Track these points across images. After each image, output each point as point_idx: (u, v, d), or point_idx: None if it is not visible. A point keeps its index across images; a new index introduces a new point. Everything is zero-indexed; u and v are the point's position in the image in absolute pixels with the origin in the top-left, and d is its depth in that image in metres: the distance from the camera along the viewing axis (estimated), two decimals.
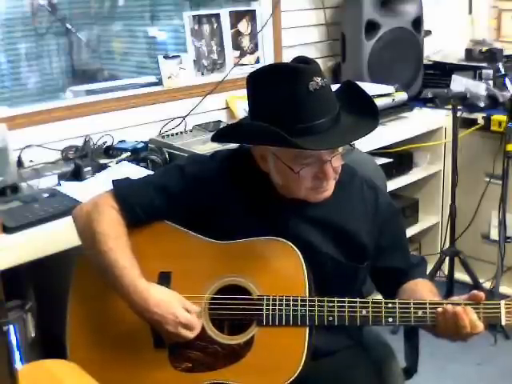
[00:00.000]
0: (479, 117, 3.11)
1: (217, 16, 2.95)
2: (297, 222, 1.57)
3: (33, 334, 2.06)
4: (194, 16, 2.88)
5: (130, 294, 1.47)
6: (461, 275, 3.21)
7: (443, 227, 3.34)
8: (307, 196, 1.54)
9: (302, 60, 1.49)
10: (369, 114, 1.51)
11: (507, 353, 2.89)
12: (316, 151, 1.45)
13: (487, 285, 3.19)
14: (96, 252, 1.51)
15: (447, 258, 3.15)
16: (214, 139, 1.55)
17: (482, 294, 1.46)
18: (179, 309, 1.47)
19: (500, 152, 3.00)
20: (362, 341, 1.69)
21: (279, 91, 1.43)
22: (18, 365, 1.92)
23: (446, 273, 3.21)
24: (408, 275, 1.66)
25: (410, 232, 3.23)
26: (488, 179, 3.19)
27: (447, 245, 3.18)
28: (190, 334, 1.49)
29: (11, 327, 1.96)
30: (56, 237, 1.89)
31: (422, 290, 1.60)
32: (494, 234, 3.20)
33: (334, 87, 1.56)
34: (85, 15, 3.09)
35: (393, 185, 3.01)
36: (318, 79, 1.42)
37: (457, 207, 3.08)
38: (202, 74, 2.94)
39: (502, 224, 3.01)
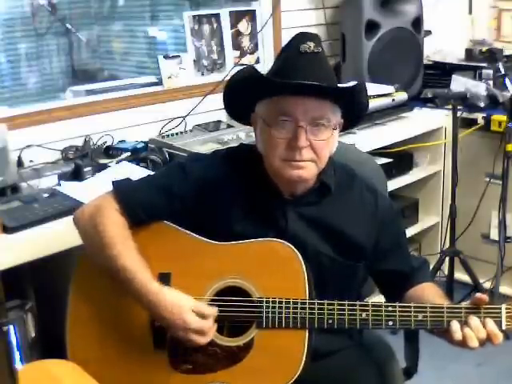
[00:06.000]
0: (479, 117, 3.11)
1: (217, 16, 2.95)
2: (294, 222, 1.57)
3: (33, 334, 2.05)
4: (193, 16, 2.88)
5: (143, 297, 1.46)
6: (461, 275, 3.22)
7: (443, 227, 3.34)
8: (281, 169, 1.51)
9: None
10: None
11: (507, 353, 2.88)
12: (293, 109, 1.46)
13: (487, 285, 3.19)
14: (104, 256, 1.50)
15: (447, 258, 3.15)
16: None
17: (484, 298, 1.45)
18: (189, 314, 1.45)
19: (500, 152, 3.00)
20: (362, 341, 1.69)
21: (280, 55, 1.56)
22: (18, 365, 1.91)
23: (446, 273, 3.21)
24: (411, 278, 1.65)
25: (410, 232, 3.22)
26: (488, 179, 3.19)
27: (447, 245, 3.18)
28: (202, 340, 1.46)
29: (11, 327, 1.96)
30: (56, 237, 1.88)
31: (429, 295, 1.58)
32: (494, 234, 3.20)
33: None
34: (85, 15, 3.10)
35: (393, 185, 3.00)
36: (311, 44, 1.48)
37: (457, 207, 3.07)
38: (202, 74, 2.94)
39: (502, 224, 3.01)
